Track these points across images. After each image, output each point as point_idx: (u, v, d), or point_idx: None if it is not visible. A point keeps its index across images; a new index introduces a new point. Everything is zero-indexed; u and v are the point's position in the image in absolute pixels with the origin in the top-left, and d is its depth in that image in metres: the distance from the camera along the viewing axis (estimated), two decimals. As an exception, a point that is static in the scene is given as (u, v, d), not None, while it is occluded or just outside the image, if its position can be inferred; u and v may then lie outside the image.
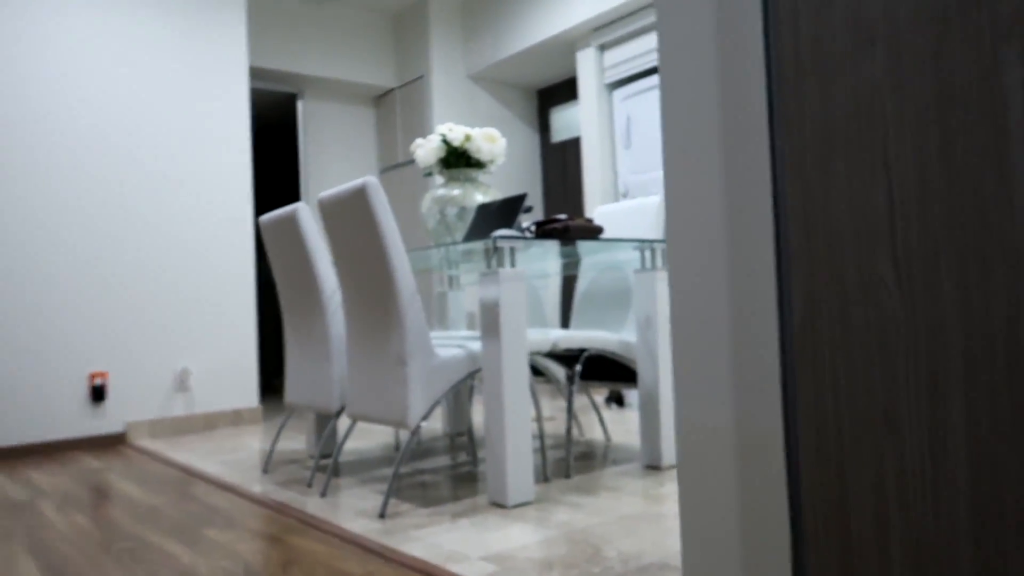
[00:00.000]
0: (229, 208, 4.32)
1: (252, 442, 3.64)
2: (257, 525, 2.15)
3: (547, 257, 2.79)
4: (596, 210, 3.27)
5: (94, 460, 3.39)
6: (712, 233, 1.11)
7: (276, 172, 7.35)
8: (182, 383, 4.09)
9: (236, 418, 4.24)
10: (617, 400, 4.29)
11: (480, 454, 3.01)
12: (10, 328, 3.62)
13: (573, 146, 5.75)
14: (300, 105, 5.52)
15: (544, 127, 6.03)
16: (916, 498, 0.88)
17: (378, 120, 5.95)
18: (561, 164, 5.86)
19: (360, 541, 1.92)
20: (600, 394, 4.83)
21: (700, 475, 1.13)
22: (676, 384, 1.15)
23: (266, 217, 2.87)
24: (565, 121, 5.86)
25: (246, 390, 4.30)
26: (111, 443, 3.83)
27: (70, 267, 3.81)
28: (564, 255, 2.76)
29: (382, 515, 2.15)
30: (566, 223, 2.37)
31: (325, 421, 3.12)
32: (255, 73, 5.24)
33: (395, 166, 5.78)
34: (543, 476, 2.54)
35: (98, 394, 3.80)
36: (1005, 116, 0.81)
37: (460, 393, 3.36)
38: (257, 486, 2.64)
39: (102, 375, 3.83)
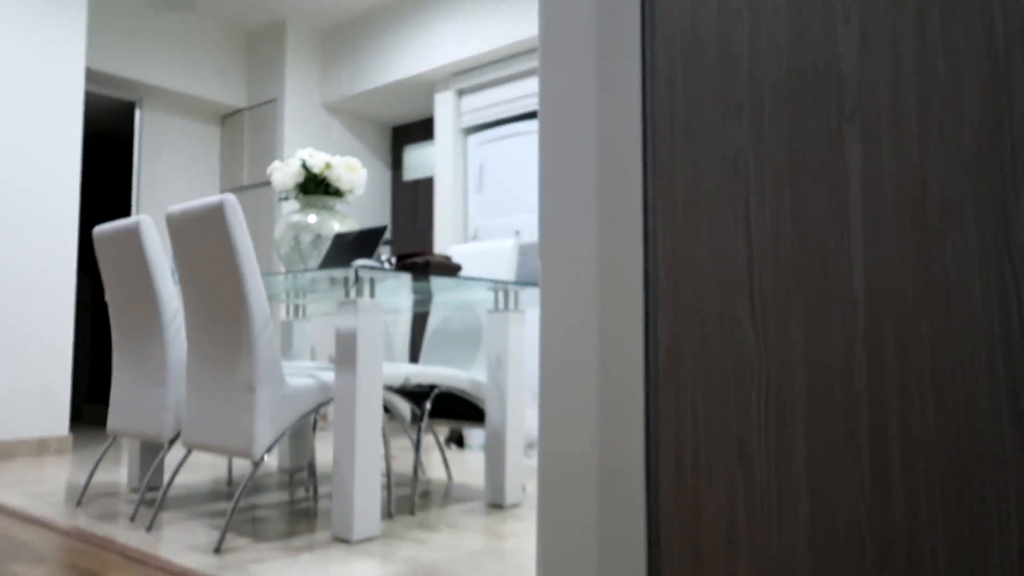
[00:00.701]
0: (53, 217, 3.97)
1: (60, 473, 3.31)
2: (72, 560, 1.96)
3: (400, 291, 2.79)
4: (451, 249, 3.33)
5: None
6: (585, 274, 1.18)
7: (105, 183, 6.84)
8: (-23, 406, 3.66)
9: (40, 447, 3.84)
10: (457, 441, 4.32)
11: (321, 490, 2.92)
12: None
13: (425, 185, 5.81)
14: (139, 114, 5.21)
15: (396, 164, 6.05)
16: (762, 520, 0.97)
17: (224, 139, 5.72)
18: (412, 202, 5.89)
19: (193, 575, 1.81)
20: (440, 433, 4.83)
21: (560, 503, 1.18)
22: (542, 415, 1.20)
23: (103, 228, 2.67)
24: (418, 160, 5.91)
25: (55, 416, 3.91)
26: None
27: None
28: (416, 291, 2.77)
29: (218, 549, 2.03)
30: (427, 258, 2.40)
31: (151, 451, 2.90)
32: (92, 76, 4.89)
33: (239, 188, 5.57)
34: (387, 512, 2.51)
35: None
36: (846, 186, 0.95)
37: (304, 427, 3.26)
38: (71, 520, 2.41)
39: None
